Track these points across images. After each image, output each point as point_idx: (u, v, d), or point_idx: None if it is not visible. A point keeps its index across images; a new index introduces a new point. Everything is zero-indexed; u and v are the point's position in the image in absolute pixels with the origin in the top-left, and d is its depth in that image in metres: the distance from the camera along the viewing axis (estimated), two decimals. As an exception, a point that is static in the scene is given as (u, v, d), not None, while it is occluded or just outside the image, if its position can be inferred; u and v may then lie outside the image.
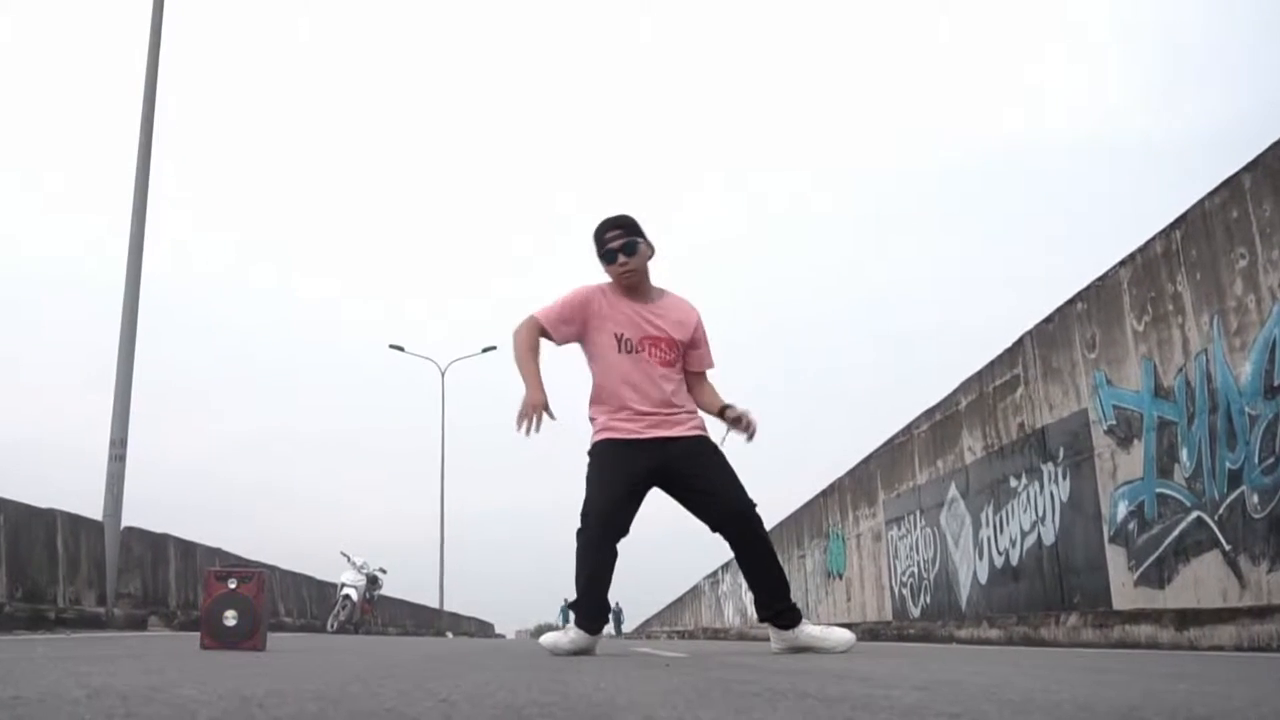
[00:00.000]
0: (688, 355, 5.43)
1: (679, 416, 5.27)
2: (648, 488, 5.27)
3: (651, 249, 5.37)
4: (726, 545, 5.30)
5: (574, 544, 5.18)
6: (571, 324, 5.31)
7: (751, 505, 5.21)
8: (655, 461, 5.17)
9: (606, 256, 5.27)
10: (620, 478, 5.17)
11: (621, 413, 5.24)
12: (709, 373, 5.54)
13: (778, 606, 5.29)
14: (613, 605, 5.57)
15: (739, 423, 5.33)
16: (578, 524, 5.18)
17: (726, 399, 5.46)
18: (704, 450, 5.27)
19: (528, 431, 5.04)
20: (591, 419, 5.36)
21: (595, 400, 5.33)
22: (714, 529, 5.30)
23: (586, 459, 5.31)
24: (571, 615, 5.36)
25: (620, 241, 5.26)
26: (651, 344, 5.28)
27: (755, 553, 5.25)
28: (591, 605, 5.28)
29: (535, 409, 5.06)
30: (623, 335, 5.27)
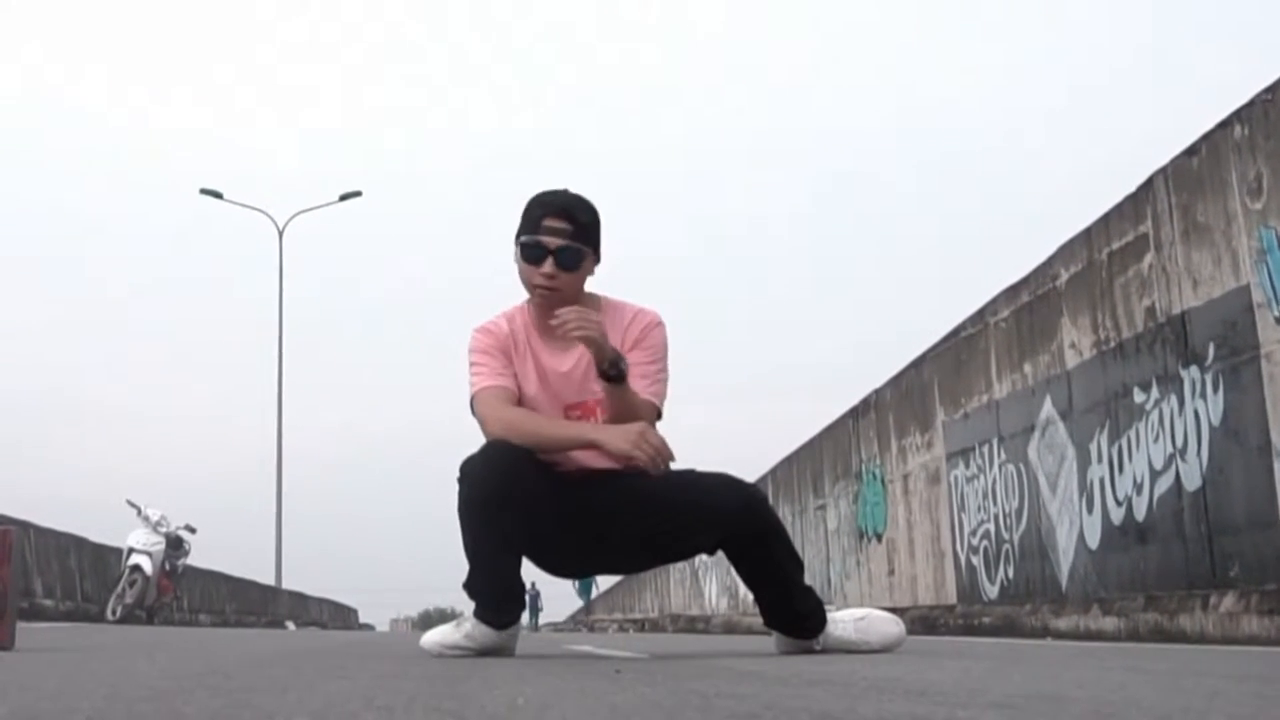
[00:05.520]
0: None
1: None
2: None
3: (597, 262, 5.39)
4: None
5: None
6: (511, 371, 5.36)
7: (752, 490, 5.39)
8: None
9: (530, 251, 5.21)
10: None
11: None
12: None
13: (789, 614, 5.38)
14: (527, 586, 5.61)
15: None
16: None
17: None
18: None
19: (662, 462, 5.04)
20: None
21: None
22: (710, 551, 5.47)
23: None
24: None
25: (561, 242, 5.20)
26: (579, 417, 5.32)
27: (762, 551, 5.32)
28: (491, 583, 5.30)
29: (642, 433, 5.03)
30: (534, 411, 5.31)
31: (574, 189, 5.37)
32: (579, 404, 5.29)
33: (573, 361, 5.28)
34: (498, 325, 5.39)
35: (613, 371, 5.02)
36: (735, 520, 5.19)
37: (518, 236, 5.25)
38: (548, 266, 5.16)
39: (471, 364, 5.34)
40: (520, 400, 5.27)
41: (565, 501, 5.14)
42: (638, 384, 5.24)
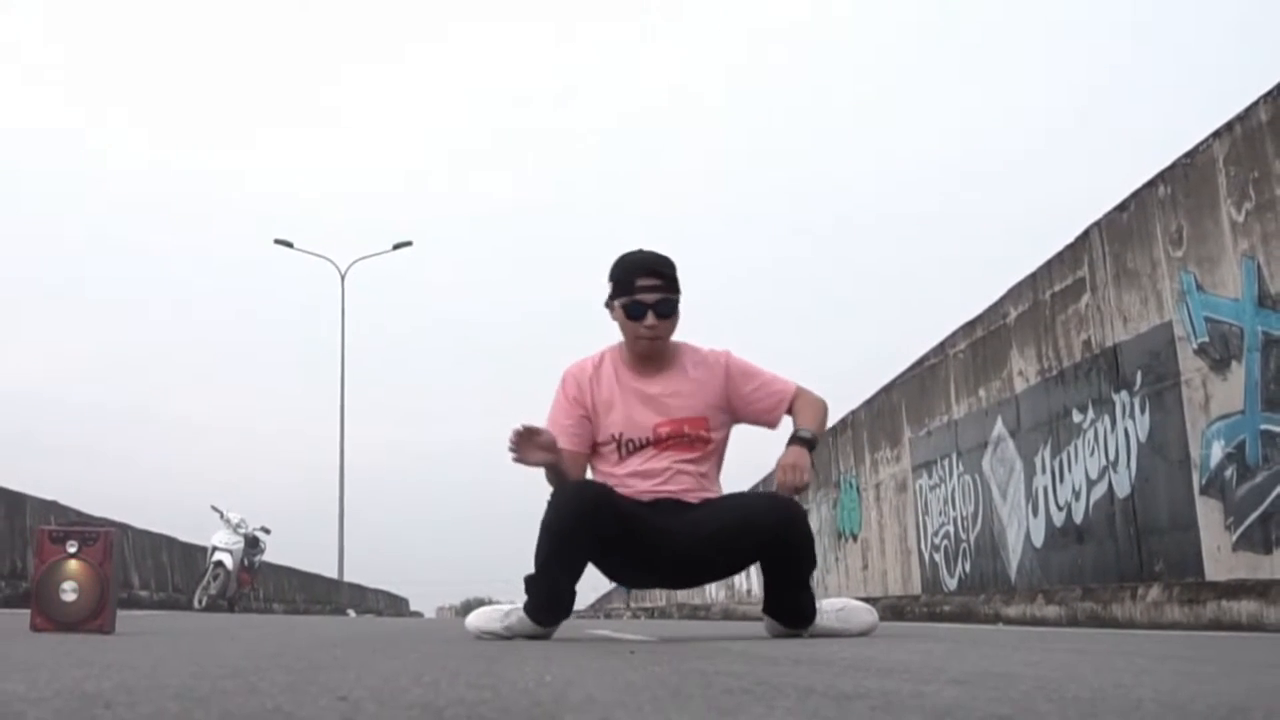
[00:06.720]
0: (749, 412, 5.50)
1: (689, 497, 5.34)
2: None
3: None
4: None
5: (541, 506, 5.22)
6: (585, 426, 5.37)
7: (794, 505, 5.35)
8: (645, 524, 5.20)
9: (632, 310, 5.22)
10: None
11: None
12: (802, 395, 5.55)
13: (790, 603, 5.35)
14: None
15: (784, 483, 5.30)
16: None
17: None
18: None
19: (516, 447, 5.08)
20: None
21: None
22: (756, 559, 5.45)
23: None
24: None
25: (656, 297, 5.22)
26: (669, 432, 5.33)
27: (791, 558, 5.30)
28: (549, 591, 5.24)
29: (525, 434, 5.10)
30: (622, 436, 5.34)
31: (649, 247, 5.37)
32: (667, 421, 5.31)
33: (660, 387, 5.32)
34: (583, 368, 5.43)
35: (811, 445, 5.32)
36: (776, 529, 5.14)
37: (613, 300, 5.25)
38: (649, 319, 5.18)
39: (549, 413, 5.43)
40: (593, 443, 5.38)
41: (636, 522, 5.11)
42: (770, 397, 5.46)
